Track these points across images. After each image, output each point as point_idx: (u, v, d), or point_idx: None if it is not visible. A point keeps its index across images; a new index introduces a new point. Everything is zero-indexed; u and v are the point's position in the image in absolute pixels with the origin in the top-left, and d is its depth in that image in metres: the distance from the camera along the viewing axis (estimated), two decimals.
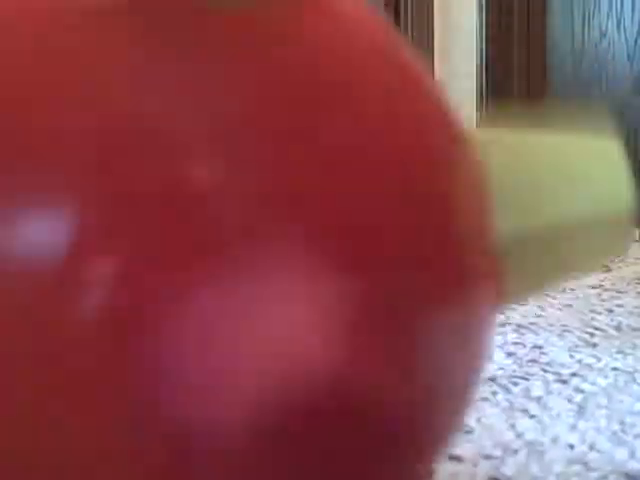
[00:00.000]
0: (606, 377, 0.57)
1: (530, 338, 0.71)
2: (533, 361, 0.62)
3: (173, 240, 0.17)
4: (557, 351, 0.66)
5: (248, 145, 0.18)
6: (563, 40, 2.21)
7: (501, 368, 0.60)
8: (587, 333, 0.73)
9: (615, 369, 0.60)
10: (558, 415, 0.49)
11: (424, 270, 0.21)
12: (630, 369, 0.60)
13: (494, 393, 0.53)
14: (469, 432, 0.45)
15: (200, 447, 0.18)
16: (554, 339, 0.70)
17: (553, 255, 0.34)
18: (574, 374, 0.58)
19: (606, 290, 0.93)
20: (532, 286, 0.35)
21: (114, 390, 0.17)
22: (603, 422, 0.47)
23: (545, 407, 0.50)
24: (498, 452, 0.42)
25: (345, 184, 0.19)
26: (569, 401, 0.52)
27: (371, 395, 0.20)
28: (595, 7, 1.99)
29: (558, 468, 0.40)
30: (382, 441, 0.22)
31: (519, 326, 0.75)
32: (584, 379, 0.57)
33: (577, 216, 0.34)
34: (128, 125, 0.18)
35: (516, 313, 0.81)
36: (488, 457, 0.42)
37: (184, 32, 0.19)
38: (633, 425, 0.47)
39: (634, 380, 0.57)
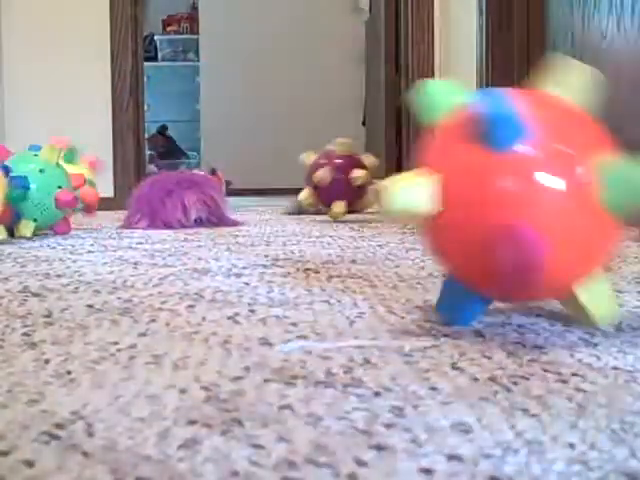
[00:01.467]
0: (606, 376, 0.57)
1: (530, 338, 0.71)
2: (533, 360, 0.62)
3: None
4: (557, 351, 0.66)
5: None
6: (563, 41, 2.21)
7: (501, 367, 0.60)
8: (587, 333, 0.73)
9: (615, 368, 0.60)
10: (558, 414, 0.49)
11: None
12: (630, 368, 0.60)
13: (494, 392, 0.53)
14: (469, 431, 0.45)
15: None
16: (554, 339, 0.70)
17: None
18: (574, 373, 0.58)
19: None
20: None
21: None
22: (603, 421, 0.47)
23: (545, 406, 0.50)
24: (498, 451, 0.42)
25: None
26: (569, 400, 0.51)
27: None
28: (595, 8, 1.99)
29: (558, 467, 0.40)
30: None
31: (520, 326, 0.75)
32: (584, 378, 0.57)
33: None
34: None
35: (517, 313, 0.81)
36: (488, 456, 0.42)
37: None
38: (633, 424, 0.47)
39: (634, 379, 0.56)
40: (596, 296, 0.72)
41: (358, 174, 2.24)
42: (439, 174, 0.70)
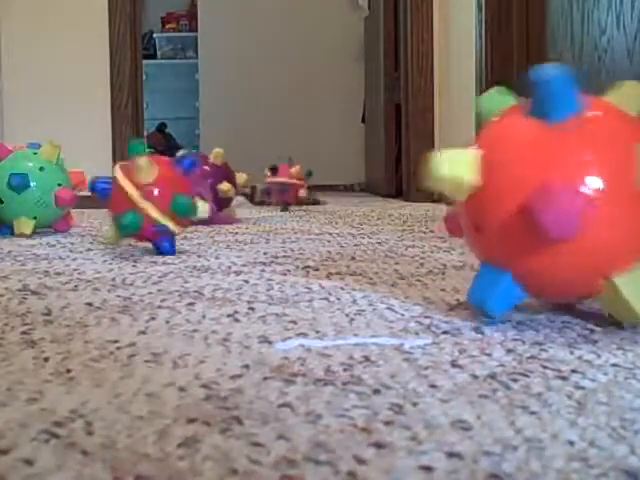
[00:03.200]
0: (606, 373, 0.57)
1: (530, 334, 0.71)
2: (533, 357, 0.62)
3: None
4: (557, 347, 0.66)
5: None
6: (562, 37, 2.20)
7: (501, 365, 0.60)
8: (587, 329, 0.73)
9: (615, 365, 0.60)
10: (558, 411, 0.49)
11: None
12: (630, 365, 0.60)
13: (494, 390, 0.53)
14: (469, 429, 0.45)
15: None
16: (554, 335, 0.70)
17: None
18: (574, 370, 0.58)
19: None
20: None
21: None
22: (603, 418, 0.47)
23: (545, 403, 0.50)
24: (498, 449, 0.42)
25: None
26: (569, 397, 0.51)
27: None
28: (594, 3, 1.98)
29: (558, 464, 0.40)
30: None
31: (519, 322, 0.75)
32: (584, 375, 0.57)
33: None
34: None
35: (516, 309, 0.81)
36: (488, 454, 0.42)
37: None
38: (633, 421, 0.47)
39: (634, 376, 0.56)
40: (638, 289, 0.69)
41: (225, 187, 2.17)
42: (484, 148, 0.73)
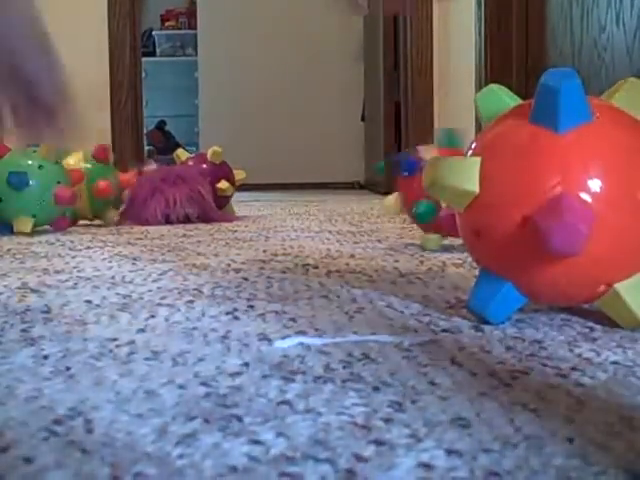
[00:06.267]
0: (605, 371, 0.57)
1: (530, 332, 0.71)
2: (532, 355, 0.62)
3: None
4: (556, 345, 0.66)
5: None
6: (562, 34, 2.20)
7: (500, 362, 0.60)
8: (587, 327, 0.73)
9: (614, 363, 0.60)
10: (557, 409, 0.49)
11: None
12: (629, 363, 0.60)
13: (493, 387, 0.53)
14: (468, 426, 0.45)
15: None
16: (554, 333, 0.70)
17: None
18: (573, 368, 0.58)
19: None
20: None
21: None
22: (602, 416, 0.47)
23: (544, 401, 0.50)
24: (497, 446, 0.42)
25: None
26: (568, 395, 0.51)
27: None
28: (594, 1, 1.98)
29: (557, 462, 0.40)
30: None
31: (518, 320, 0.75)
32: (583, 373, 0.57)
33: None
34: None
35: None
36: (487, 451, 0.42)
37: None
38: (632, 419, 0.46)
39: (633, 374, 0.56)
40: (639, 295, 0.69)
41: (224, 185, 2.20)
42: (485, 153, 0.71)
